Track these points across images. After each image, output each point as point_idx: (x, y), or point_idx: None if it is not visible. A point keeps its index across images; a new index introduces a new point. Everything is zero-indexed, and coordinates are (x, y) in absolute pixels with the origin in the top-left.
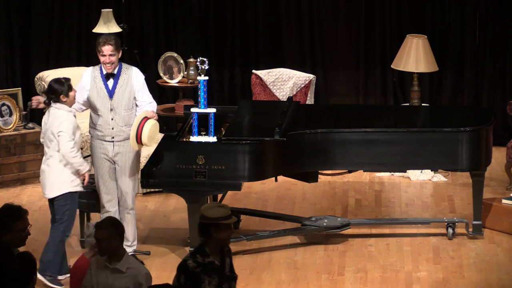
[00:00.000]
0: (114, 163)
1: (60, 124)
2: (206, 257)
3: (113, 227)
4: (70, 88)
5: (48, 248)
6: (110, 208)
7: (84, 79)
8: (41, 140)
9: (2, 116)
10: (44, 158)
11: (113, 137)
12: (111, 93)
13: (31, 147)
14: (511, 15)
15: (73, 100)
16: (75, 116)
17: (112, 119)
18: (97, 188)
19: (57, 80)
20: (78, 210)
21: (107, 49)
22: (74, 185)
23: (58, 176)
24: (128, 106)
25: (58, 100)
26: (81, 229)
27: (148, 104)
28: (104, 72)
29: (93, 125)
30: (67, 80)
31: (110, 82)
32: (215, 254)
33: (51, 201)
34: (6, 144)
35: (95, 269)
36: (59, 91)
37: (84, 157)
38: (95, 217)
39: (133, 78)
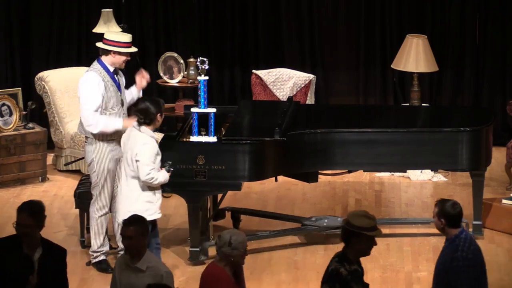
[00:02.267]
0: (119, 162)
1: (141, 151)
2: (352, 265)
3: (142, 225)
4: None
5: None
6: (107, 209)
7: (98, 84)
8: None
9: (2, 116)
10: (121, 179)
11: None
12: (119, 88)
13: (31, 147)
14: (511, 15)
15: (159, 124)
16: (157, 140)
17: (124, 113)
18: (102, 191)
19: (154, 101)
20: (78, 210)
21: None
22: (148, 214)
23: (132, 205)
24: (128, 98)
25: (146, 123)
26: (81, 229)
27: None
28: (112, 69)
29: None
30: (162, 102)
31: (116, 78)
32: (356, 259)
33: None
34: (6, 144)
35: (119, 268)
36: (156, 112)
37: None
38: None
39: (121, 74)
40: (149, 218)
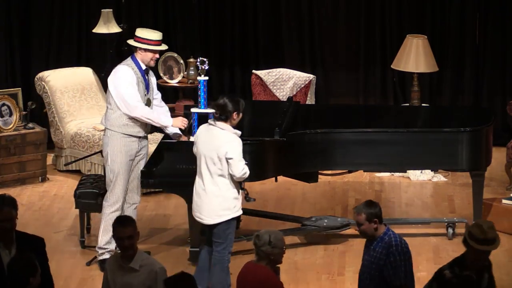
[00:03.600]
0: (133, 159)
1: (231, 149)
2: (464, 270)
3: (134, 223)
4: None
5: (216, 270)
6: (119, 206)
7: (132, 76)
8: (195, 152)
9: (2, 116)
10: (200, 177)
11: (146, 132)
12: (148, 87)
13: (31, 147)
14: (511, 15)
15: (235, 123)
16: (239, 136)
17: None
18: (114, 186)
19: (234, 100)
20: (78, 210)
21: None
22: (236, 211)
23: (221, 203)
24: (153, 100)
25: (222, 119)
26: (81, 229)
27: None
28: (143, 68)
29: (126, 121)
30: (243, 103)
31: (146, 77)
32: (473, 267)
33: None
34: (6, 144)
35: (111, 269)
36: (232, 110)
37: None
38: (95, 217)
39: (151, 74)
40: (236, 214)
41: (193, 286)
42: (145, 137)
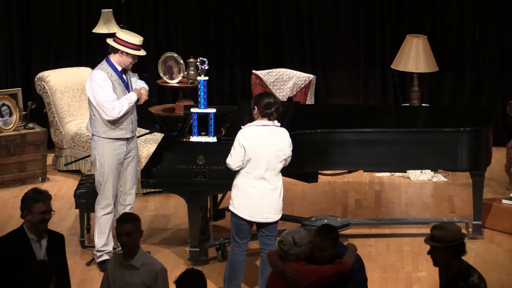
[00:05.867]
0: (123, 162)
1: (291, 143)
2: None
3: (138, 222)
4: None
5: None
6: (111, 208)
7: (105, 80)
8: (242, 162)
9: (2, 116)
10: (263, 179)
11: (132, 132)
12: (128, 87)
13: (31, 147)
14: (511, 15)
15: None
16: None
17: (131, 113)
18: (104, 190)
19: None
20: (78, 211)
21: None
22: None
23: (281, 199)
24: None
25: (277, 118)
26: (81, 229)
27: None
28: (120, 69)
29: (110, 125)
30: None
31: (124, 77)
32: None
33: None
34: (6, 144)
35: (112, 268)
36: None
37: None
38: (95, 217)
39: (130, 72)
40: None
41: (203, 281)
42: (133, 138)
